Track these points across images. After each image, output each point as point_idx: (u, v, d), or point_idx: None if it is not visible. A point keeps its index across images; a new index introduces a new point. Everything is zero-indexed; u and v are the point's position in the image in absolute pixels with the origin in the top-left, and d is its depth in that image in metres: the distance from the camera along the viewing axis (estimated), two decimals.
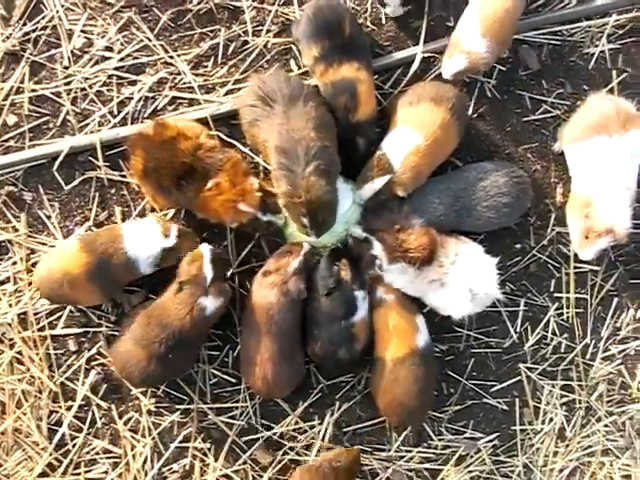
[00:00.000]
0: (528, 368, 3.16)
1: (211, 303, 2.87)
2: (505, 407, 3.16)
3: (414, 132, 2.90)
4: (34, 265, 3.10)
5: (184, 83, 3.16)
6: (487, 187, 2.95)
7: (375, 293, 2.97)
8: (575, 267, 3.17)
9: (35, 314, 3.11)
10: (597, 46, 3.20)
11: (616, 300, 3.19)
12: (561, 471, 3.17)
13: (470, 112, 3.15)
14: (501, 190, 2.94)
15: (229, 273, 3.08)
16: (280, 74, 2.96)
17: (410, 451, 3.14)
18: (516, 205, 3.00)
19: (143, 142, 2.89)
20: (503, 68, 3.18)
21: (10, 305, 3.11)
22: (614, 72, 3.19)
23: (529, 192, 3.04)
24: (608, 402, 3.19)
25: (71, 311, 3.12)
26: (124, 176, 3.13)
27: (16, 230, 3.13)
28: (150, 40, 3.16)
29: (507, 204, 2.96)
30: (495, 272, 2.89)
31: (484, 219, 2.97)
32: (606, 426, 3.17)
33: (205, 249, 2.89)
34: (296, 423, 3.13)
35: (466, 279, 2.85)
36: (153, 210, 3.11)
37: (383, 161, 2.91)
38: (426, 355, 2.93)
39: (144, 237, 2.90)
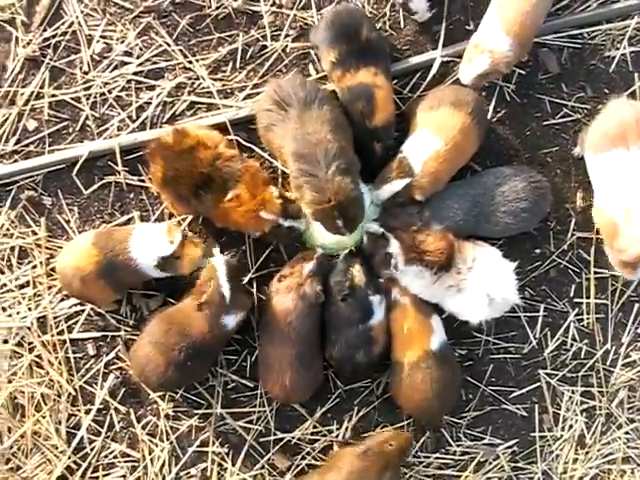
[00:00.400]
0: (548, 374, 3.14)
1: (232, 320, 2.87)
2: (524, 413, 3.14)
3: (434, 136, 2.89)
4: (53, 270, 3.12)
5: (202, 88, 3.16)
6: (505, 192, 2.92)
7: (390, 295, 2.96)
8: (595, 272, 3.14)
9: (54, 318, 3.12)
10: (618, 49, 3.17)
11: (637, 306, 3.16)
12: (581, 479, 3.14)
13: (489, 116, 3.13)
14: (519, 195, 2.92)
15: (247, 278, 3.07)
16: (296, 78, 2.95)
17: (428, 457, 3.12)
18: (535, 210, 2.98)
19: (163, 151, 2.89)
20: (522, 72, 3.16)
21: (29, 309, 3.13)
22: (636, 75, 3.16)
23: (548, 197, 3.01)
24: (629, 409, 3.16)
25: (89, 315, 3.13)
26: (143, 181, 3.15)
27: (35, 234, 3.15)
28: (169, 45, 3.17)
29: (525, 209, 2.93)
30: (513, 277, 2.87)
31: (502, 225, 2.95)
32: (627, 433, 3.14)
33: (219, 263, 2.86)
34: (314, 428, 3.12)
35: (484, 284, 2.83)
36: (172, 215, 3.12)
37: (404, 164, 2.90)
38: (442, 356, 2.91)
39: (148, 241, 2.88)
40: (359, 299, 2.89)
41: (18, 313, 3.13)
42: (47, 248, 3.14)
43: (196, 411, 3.11)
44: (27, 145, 3.18)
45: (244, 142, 3.10)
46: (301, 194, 2.78)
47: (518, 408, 3.14)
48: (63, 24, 3.19)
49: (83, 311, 3.13)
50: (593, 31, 3.17)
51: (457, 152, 2.92)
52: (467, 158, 3.02)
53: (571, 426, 3.14)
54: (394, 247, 2.86)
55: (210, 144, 2.90)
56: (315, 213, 2.77)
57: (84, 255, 2.90)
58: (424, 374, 2.87)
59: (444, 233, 2.86)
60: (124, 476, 3.12)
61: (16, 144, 3.17)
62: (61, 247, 3.14)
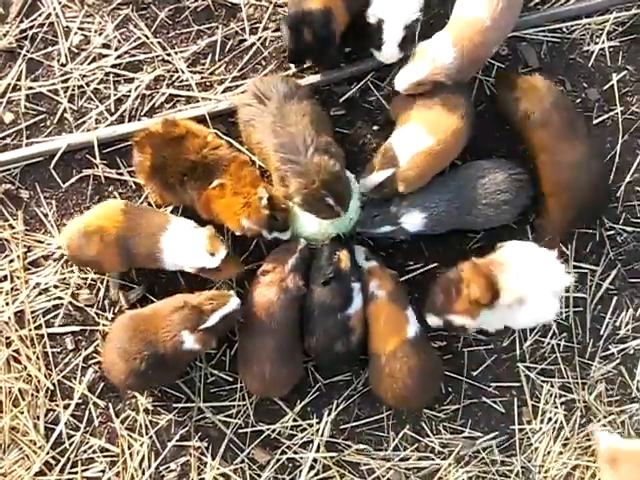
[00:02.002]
0: (527, 367, 3.15)
1: (189, 343, 2.80)
2: (503, 406, 3.15)
3: (426, 134, 2.89)
4: (31, 263, 3.10)
5: (181, 81, 3.15)
6: (486, 184, 2.94)
7: (368, 287, 2.95)
8: (574, 266, 3.15)
9: (32, 312, 3.10)
10: (597, 44, 3.19)
11: (615, 299, 3.18)
12: (559, 471, 3.15)
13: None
14: (500, 187, 2.94)
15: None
16: (277, 75, 2.96)
17: (408, 449, 3.13)
18: (515, 202, 2.99)
19: (152, 140, 2.88)
20: (502, 65, 3.16)
21: (7, 303, 3.11)
22: (614, 70, 3.18)
23: (528, 189, 3.02)
24: (607, 401, 3.17)
25: (68, 309, 3.11)
26: (121, 174, 3.13)
27: (13, 228, 3.13)
28: (147, 37, 3.15)
29: (506, 201, 2.95)
30: (556, 260, 2.84)
31: (483, 217, 2.97)
32: (605, 425, 3.16)
33: (233, 304, 2.83)
34: (294, 421, 3.12)
35: (539, 284, 2.80)
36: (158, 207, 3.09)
37: (389, 154, 2.90)
38: (418, 344, 2.92)
39: (185, 245, 2.85)
40: (342, 284, 2.88)
41: None
42: (25, 242, 3.12)
43: (175, 405, 3.10)
44: (4, 138, 3.15)
45: (223, 135, 3.08)
46: (286, 185, 2.78)
47: (497, 401, 3.15)
48: (40, 15, 3.16)
49: (61, 305, 3.11)
50: (572, 25, 3.19)
51: (446, 152, 2.93)
52: (452, 159, 3.02)
53: (550, 419, 3.15)
54: (459, 321, 2.83)
55: (199, 134, 2.90)
56: (304, 199, 2.76)
57: (111, 218, 2.87)
58: (401, 363, 2.88)
59: (473, 266, 2.83)
60: (103, 471, 3.10)
61: None
62: (39, 241, 3.12)
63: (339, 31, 2.96)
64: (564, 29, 3.19)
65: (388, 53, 2.95)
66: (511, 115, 2.99)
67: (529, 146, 3.00)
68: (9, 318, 3.10)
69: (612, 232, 3.17)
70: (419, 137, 2.89)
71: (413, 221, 2.95)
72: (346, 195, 2.82)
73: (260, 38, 3.15)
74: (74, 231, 2.91)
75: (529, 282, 2.79)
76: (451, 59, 2.86)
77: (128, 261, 2.95)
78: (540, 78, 2.96)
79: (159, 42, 3.15)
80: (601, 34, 3.18)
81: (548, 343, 3.15)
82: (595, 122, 3.17)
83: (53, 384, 3.10)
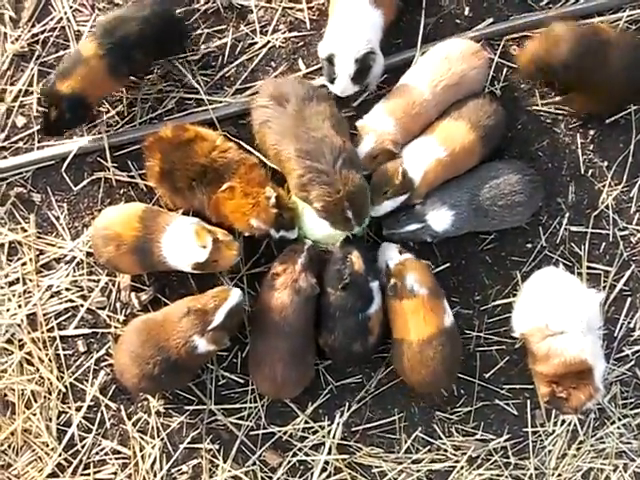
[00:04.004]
0: None
1: (203, 346, 2.80)
2: (516, 409, 3.12)
3: (439, 144, 2.92)
4: (43, 266, 3.12)
5: (192, 84, 3.15)
6: (500, 185, 2.93)
7: (405, 282, 2.89)
8: (587, 267, 3.12)
9: (44, 315, 3.12)
10: None
11: (629, 300, 3.14)
12: (573, 474, 3.12)
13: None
14: (514, 188, 2.93)
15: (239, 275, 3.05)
16: (292, 77, 2.97)
17: (420, 452, 3.11)
18: (529, 203, 2.98)
19: (161, 144, 2.89)
20: (514, 66, 3.14)
21: (19, 306, 3.13)
22: None
23: (541, 190, 3.01)
24: (622, 404, 3.14)
25: (80, 312, 3.12)
26: (132, 177, 3.14)
27: (25, 231, 3.15)
28: None
29: (521, 202, 2.94)
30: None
31: (499, 218, 2.96)
32: (619, 428, 3.12)
33: (234, 297, 2.83)
34: (305, 423, 3.11)
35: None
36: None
37: (406, 179, 2.90)
38: (452, 332, 2.91)
39: (179, 243, 2.85)
40: (360, 286, 2.87)
41: (8, 310, 3.13)
42: (37, 245, 3.14)
43: (187, 407, 3.10)
44: (16, 142, 3.17)
45: (233, 138, 3.07)
46: (308, 191, 2.78)
47: (510, 404, 3.12)
48: (52, 20, 3.18)
49: (73, 308, 3.12)
50: (585, 24, 3.15)
51: (456, 165, 2.96)
52: (464, 170, 3.03)
53: (564, 421, 3.12)
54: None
55: (207, 137, 2.90)
56: (325, 208, 2.77)
57: (129, 226, 2.88)
58: (436, 351, 2.86)
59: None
60: (115, 473, 3.11)
61: (5, 140, 3.17)
62: (51, 244, 3.14)
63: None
64: None
65: (341, 87, 2.94)
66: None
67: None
68: (22, 321, 3.12)
69: (626, 232, 3.14)
70: (432, 149, 2.93)
71: (440, 218, 2.93)
72: (365, 213, 2.85)
73: (270, 40, 3.15)
74: (95, 233, 2.95)
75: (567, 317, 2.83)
76: (391, 127, 2.91)
77: (148, 266, 2.97)
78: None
79: None
80: None
81: None
82: (608, 121, 3.13)
83: (65, 386, 3.11)
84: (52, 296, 3.13)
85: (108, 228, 2.89)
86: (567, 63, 2.87)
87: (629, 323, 3.14)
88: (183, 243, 2.83)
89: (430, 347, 2.86)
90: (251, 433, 3.10)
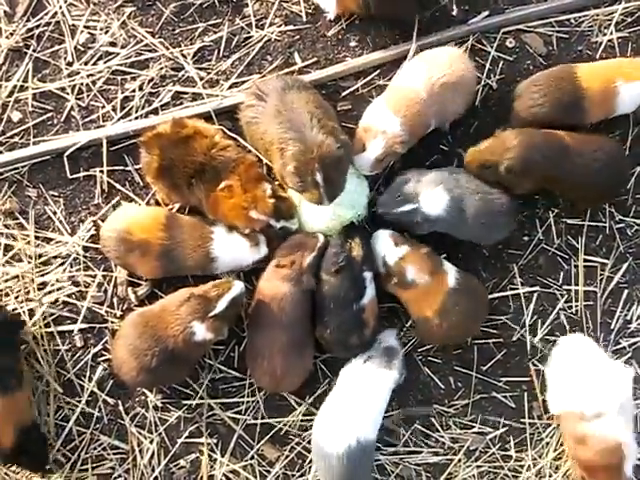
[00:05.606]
0: (537, 361, 3.13)
1: (201, 333, 2.80)
2: (514, 401, 3.13)
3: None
4: (40, 261, 3.11)
5: (187, 77, 3.15)
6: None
7: (406, 278, 2.89)
8: (584, 259, 3.13)
9: (41, 310, 3.11)
10: (605, 35, 3.16)
11: (626, 292, 3.15)
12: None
13: (476, 102, 3.12)
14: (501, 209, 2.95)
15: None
16: (273, 75, 3.00)
17: (418, 445, 3.11)
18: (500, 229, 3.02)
19: (159, 140, 2.88)
20: (510, 58, 3.14)
21: (17, 300, 3.11)
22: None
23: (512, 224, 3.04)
24: None
25: (77, 307, 3.12)
26: (129, 171, 3.13)
27: (21, 226, 3.14)
28: (153, 35, 3.15)
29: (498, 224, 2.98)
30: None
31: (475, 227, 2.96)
32: None
33: (237, 288, 2.84)
34: (303, 416, 3.11)
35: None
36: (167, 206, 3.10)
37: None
38: (462, 286, 2.92)
39: (235, 252, 2.93)
40: (353, 273, 2.87)
41: (6, 306, 3.11)
42: (34, 240, 3.13)
43: (185, 402, 3.10)
44: (12, 137, 3.16)
45: (228, 132, 3.08)
46: (285, 151, 2.73)
47: (507, 396, 3.13)
48: (46, 14, 3.17)
49: (70, 303, 3.12)
50: (580, 17, 3.16)
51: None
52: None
53: None
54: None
55: (206, 134, 2.90)
56: (296, 168, 2.71)
57: (153, 233, 2.89)
58: (454, 312, 2.89)
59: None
60: (113, 468, 3.10)
61: (0, 136, 3.15)
62: (48, 239, 3.13)
63: None
64: (572, 20, 3.16)
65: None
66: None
67: None
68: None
69: (622, 225, 3.15)
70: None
71: (433, 199, 2.89)
72: (337, 183, 2.77)
73: (266, 34, 3.15)
74: (111, 235, 2.93)
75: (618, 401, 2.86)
76: (399, 127, 2.87)
77: (171, 272, 2.99)
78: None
79: (165, 39, 3.15)
80: (609, 25, 3.15)
81: (558, 337, 3.12)
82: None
83: (63, 382, 3.11)
84: (49, 292, 3.12)
85: (131, 233, 2.90)
86: (513, 168, 2.86)
87: (626, 315, 3.15)
88: (238, 251, 2.94)
89: (446, 312, 2.89)
90: (249, 427, 3.10)
